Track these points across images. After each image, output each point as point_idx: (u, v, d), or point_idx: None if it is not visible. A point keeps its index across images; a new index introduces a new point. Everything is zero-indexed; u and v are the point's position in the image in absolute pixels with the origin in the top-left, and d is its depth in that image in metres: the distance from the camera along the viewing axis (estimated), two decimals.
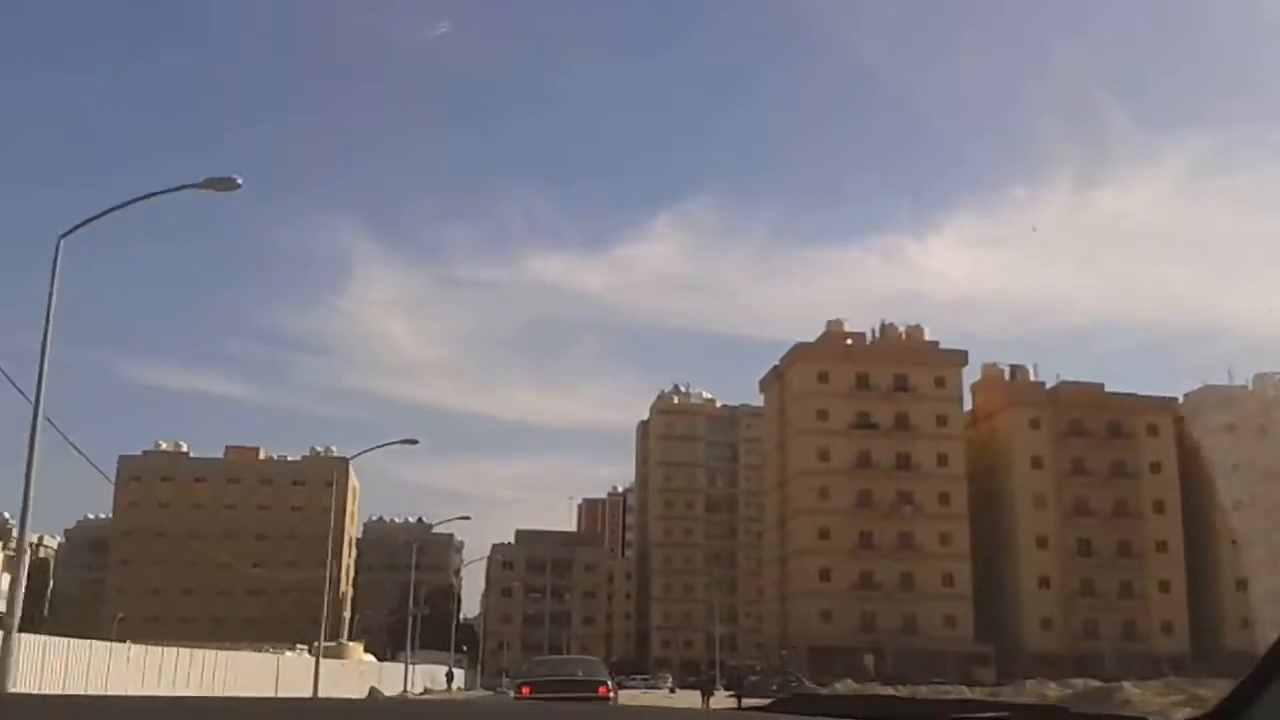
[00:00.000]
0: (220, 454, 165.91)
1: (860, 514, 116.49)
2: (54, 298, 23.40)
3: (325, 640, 66.36)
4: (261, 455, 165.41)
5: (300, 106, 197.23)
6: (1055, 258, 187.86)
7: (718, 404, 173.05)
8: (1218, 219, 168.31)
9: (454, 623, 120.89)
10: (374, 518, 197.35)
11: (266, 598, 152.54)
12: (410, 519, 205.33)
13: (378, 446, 57.99)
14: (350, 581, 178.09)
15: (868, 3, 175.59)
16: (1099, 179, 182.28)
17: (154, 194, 23.91)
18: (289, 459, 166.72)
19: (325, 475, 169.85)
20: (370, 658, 78.42)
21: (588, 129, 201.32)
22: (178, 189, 23.95)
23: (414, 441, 51.90)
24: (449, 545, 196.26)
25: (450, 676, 79.34)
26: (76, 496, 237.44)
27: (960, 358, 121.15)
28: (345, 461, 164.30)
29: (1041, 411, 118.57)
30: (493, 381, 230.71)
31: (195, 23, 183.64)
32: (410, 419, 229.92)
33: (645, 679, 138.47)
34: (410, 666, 77.02)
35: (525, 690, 23.95)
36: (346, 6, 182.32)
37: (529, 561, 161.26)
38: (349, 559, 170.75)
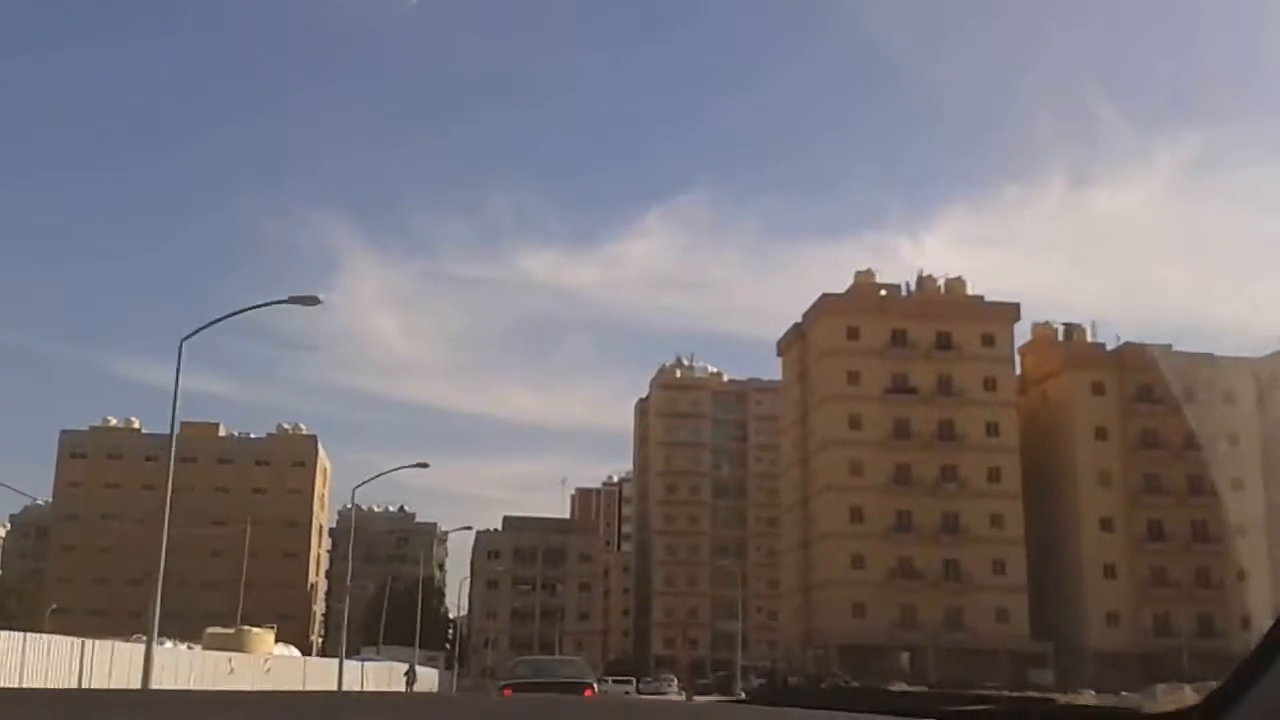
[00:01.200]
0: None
1: (897, 492, 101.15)
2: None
3: (222, 628, 51.36)
4: (222, 432, 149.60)
5: (288, 99, 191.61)
6: (1049, 256, 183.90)
7: (724, 378, 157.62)
8: (1211, 217, 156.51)
9: (419, 613, 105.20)
10: (350, 505, 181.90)
11: (225, 590, 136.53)
12: (391, 508, 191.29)
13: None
14: (320, 572, 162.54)
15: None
16: (1092, 177, 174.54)
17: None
18: (252, 436, 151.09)
19: (293, 455, 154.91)
20: (293, 650, 62.38)
21: (578, 123, 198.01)
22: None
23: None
24: (432, 536, 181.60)
25: (412, 676, 63.67)
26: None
27: (1012, 311, 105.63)
28: (314, 440, 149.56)
29: (1105, 375, 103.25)
30: (482, 379, 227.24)
31: (182, 12, 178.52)
32: (398, 416, 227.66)
33: (647, 681, 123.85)
34: (362, 664, 61.53)
35: (506, 693, 22.10)
36: None
37: (517, 550, 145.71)
38: (319, 548, 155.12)
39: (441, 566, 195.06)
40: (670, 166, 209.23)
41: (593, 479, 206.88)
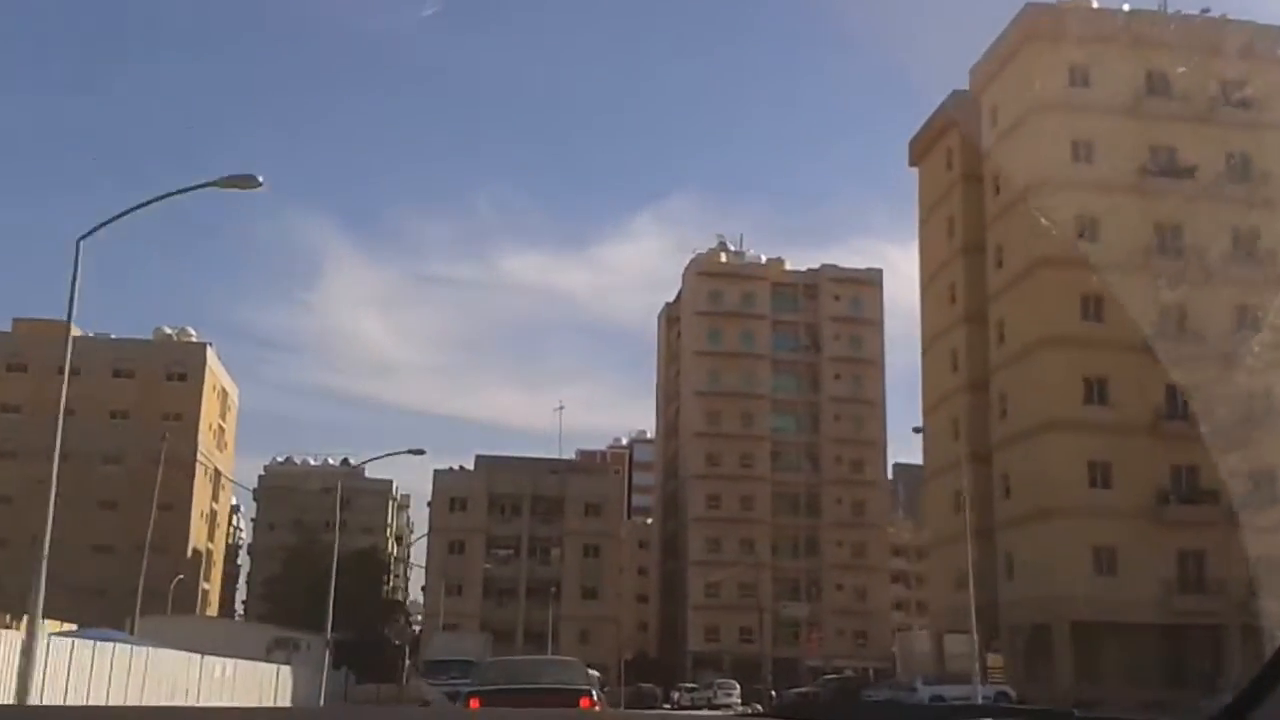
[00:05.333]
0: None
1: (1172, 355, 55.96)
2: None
3: None
4: (76, 333, 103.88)
5: (272, 100, 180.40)
6: None
7: (787, 265, 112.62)
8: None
9: (330, 588, 62.22)
10: (279, 458, 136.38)
11: (65, 558, 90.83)
12: (332, 459, 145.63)
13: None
14: (220, 536, 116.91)
15: (858, 8, 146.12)
16: None
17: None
18: (112, 337, 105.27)
19: (168, 365, 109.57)
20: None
21: (565, 125, 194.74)
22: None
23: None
24: (386, 498, 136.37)
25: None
26: None
27: None
28: (204, 348, 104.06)
29: None
30: (469, 382, 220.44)
31: (165, 18, 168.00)
32: (383, 418, 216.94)
33: (689, 689, 79.79)
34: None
35: (474, 703, 17.40)
36: (321, 1, 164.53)
37: (494, 499, 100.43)
38: (212, 503, 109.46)
39: (400, 539, 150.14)
40: (660, 169, 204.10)
41: None
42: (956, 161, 69.39)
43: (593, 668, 31.76)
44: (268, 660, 42.62)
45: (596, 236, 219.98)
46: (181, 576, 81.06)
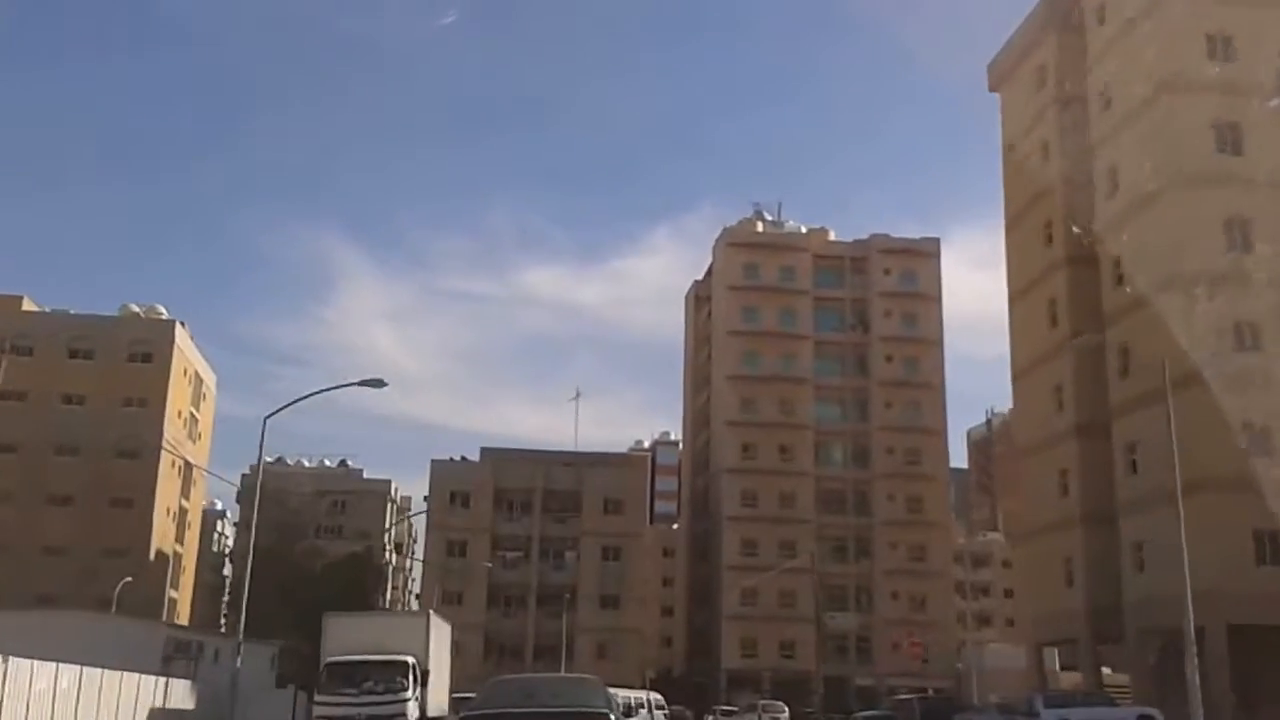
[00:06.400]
0: None
1: None
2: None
3: None
4: (30, 307, 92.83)
5: (285, 111, 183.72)
6: None
7: (830, 235, 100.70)
8: None
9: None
10: (269, 458, 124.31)
11: (10, 561, 79.35)
12: (328, 461, 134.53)
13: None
14: (194, 539, 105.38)
15: (875, 19, 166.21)
16: None
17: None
18: (71, 312, 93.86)
19: (131, 343, 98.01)
20: None
21: (582, 137, 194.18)
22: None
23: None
24: (383, 500, 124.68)
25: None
26: None
27: None
28: (172, 325, 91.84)
29: None
30: (484, 397, 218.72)
31: (182, 25, 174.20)
32: (397, 434, 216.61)
33: (728, 712, 67.93)
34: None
35: None
36: (336, 10, 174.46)
37: (501, 495, 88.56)
38: (181, 499, 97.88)
39: (400, 548, 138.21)
40: (678, 182, 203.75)
41: None
42: (1051, 78, 57.55)
43: (613, 687, 24.23)
44: (166, 671, 31.08)
45: (614, 250, 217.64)
46: (129, 579, 69.13)
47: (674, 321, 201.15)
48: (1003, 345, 59.94)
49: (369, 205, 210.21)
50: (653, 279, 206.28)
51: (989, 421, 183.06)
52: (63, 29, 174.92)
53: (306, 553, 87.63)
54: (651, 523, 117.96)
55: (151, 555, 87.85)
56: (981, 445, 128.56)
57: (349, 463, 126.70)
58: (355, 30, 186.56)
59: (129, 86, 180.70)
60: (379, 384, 28.14)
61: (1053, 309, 55.66)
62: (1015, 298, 59.69)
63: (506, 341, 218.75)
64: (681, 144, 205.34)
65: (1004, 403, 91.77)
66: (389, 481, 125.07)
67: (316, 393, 28.65)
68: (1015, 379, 58.83)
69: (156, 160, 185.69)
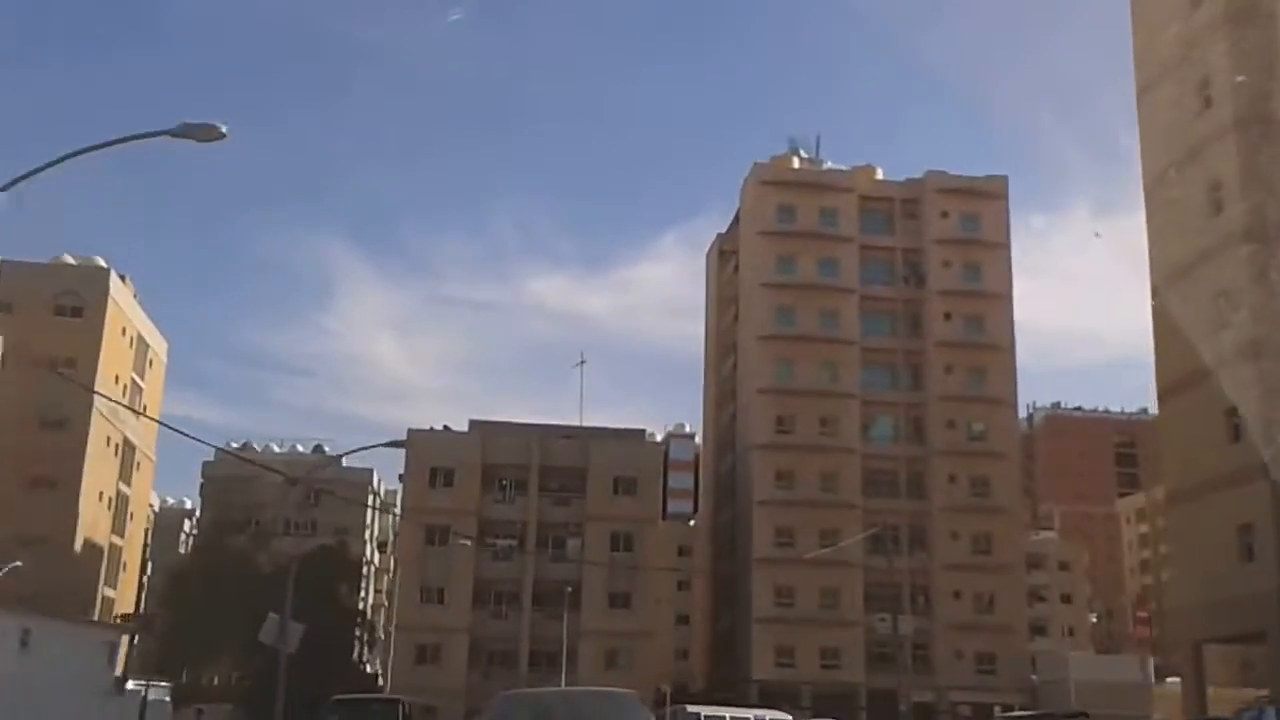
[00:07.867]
0: None
1: None
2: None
3: None
4: None
5: (286, 116, 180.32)
6: (1076, 287, 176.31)
7: (878, 174, 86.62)
8: None
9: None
10: (236, 443, 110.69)
11: None
12: (303, 447, 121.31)
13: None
14: (140, 532, 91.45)
15: (886, 25, 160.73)
16: (1116, 206, 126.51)
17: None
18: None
19: (59, 294, 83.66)
20: None
21: (588, 142, 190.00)
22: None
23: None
24: (364, 492, 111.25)
25: None
26: None
27: None
28: (107, 274, 77.00)
29: None
30: (489, 407, 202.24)
31: (180, 30, 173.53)
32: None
33: None
34: None
35: None
36: (338, 15, 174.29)
37: (489, 471, 74.25)
38: (120, 484, 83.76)
39: (384, 546, 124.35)
40: (686, 188, 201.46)
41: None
42: None
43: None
44: None
45: (621, 257, 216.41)
46: (19, 563, 54.97)
47: (684, 330, 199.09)
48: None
49: (371, 211, 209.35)
50: (660, 286, 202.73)
51: (1029, 417, 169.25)
52: (64, 29, 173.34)
53: (259, 548, 74.19)
54: (664, 518, 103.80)
55: (78, 546, 73.87)
56: (1022, 443, 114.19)
57: (325, 449, 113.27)
58: (359, 34, 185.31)
59: (129, 88, 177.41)
60: (214, 133, 20.83)
61: (1214, 196, 41.59)
62: (1150, 188, 45.55)
63: (510, 350, 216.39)
64: (690, 148, 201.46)
65: (1056, 384, 78.14)
66: (371, 470, 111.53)
67: (79, 152, 18.66)
68: (1155, 293, 44.71)
69: (156, 160, 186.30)
